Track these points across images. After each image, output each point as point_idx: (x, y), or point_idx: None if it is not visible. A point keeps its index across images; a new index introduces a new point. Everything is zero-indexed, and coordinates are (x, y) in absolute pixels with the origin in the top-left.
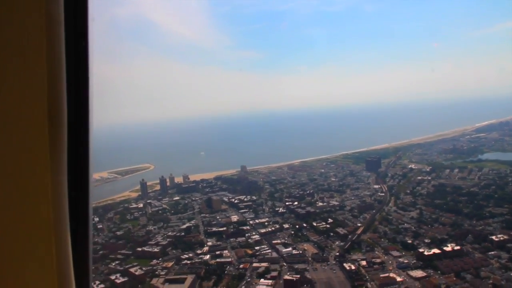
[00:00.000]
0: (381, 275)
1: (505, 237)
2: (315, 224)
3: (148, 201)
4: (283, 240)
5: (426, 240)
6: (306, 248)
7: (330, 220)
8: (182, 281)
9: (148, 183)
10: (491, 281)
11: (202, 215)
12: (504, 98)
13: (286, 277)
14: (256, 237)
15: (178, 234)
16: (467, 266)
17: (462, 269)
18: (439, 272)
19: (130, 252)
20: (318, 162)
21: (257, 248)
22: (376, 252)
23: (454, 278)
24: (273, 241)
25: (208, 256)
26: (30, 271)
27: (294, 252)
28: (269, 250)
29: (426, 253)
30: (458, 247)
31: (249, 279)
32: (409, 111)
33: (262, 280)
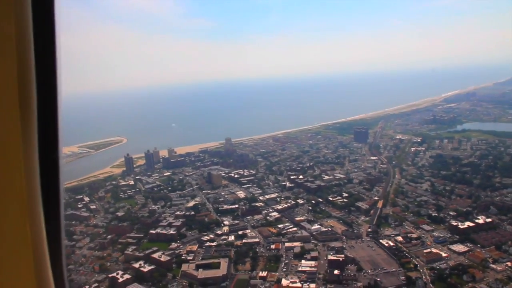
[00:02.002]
0: (424, 251)
1: None
2: (331, 198)
3: (137, 177)
4: (304, 217)
5: (451, 213)
6: (332, 224)
7: (345, 194)
8: (216, 265)
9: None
10: None
11: (204, 191)
12: (465, 69)
13: (330, 257)
14: (274, 214)
15: (187, 213)
16: (504, 238)
17: (500, 242)
18: (478, 245)
19: (142, 235)
20: (302, 133)
21: (280, 226)
22: (406, 227)
23: (497, 252)
24: (296, 218)
25: (232, 237)
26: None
27: (323, 229)
28: (295, 228)
29: (460, 226)
30: (489, 220)
31: (287, 261)
32: (376, 81)
33: (303, 261)
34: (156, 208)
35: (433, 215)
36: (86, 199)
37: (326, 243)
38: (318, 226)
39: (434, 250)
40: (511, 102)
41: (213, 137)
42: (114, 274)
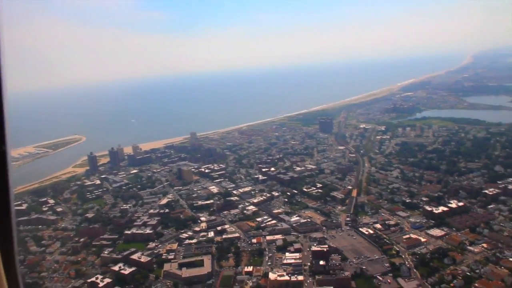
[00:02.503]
0: (404, 237)
1: (497, 190)
2: (305, 189)
3: (102, 176)
4: (281, 209)
5: (424, 199)
6: (310, 215)
7: (318, 185)
8: (200, 263)
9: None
10: (506, 234)
11: (175, 188)
12: (418, 59)
13: (314, 248)
14: (251, 207)
15: (161, 211)
16: (476, 221)
17: (473, 225)
18: (454, 229)
19: (116, 236)
20: (266, 125)
21: (258, 219)
22: (383, 214)
23: (471, 234)
24: (273, 211)
25: (211, 233)
26: None
27: (302, 220)
28: (274, 221)
29: (435, 211)
30: (461, 203)
31: (270, 254)
32: (333, 72)
33: (287, 254)
34: (127, 207)
35: (407, 201)
36: (51, 201)
37: (307, 234)
38: (297, 218)
39: (413, 236)
40: (464, 90)
41: (176, 132)
42: (93, 279)
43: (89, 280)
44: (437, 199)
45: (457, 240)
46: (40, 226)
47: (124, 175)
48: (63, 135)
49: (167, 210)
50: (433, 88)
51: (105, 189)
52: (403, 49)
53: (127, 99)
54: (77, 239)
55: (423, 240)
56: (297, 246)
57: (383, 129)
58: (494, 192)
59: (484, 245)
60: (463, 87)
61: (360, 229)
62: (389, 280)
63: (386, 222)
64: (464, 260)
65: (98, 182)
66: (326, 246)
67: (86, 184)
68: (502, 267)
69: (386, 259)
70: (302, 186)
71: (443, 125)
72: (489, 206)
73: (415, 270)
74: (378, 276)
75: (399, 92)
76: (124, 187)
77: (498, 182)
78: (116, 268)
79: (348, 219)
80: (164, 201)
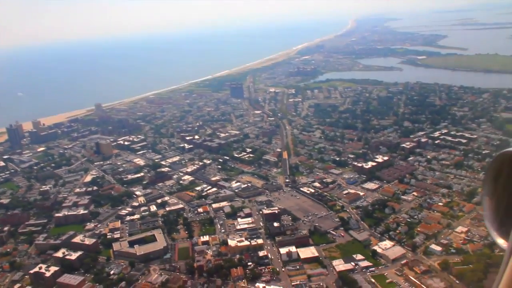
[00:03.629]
0: (344, 193)
1: (412, 144)
2: (236, 155)
3: (4, 157)
4: (218, 176)
5: (351, 156)
6: (249, 180)
7: (248, 150)
8: (151, 238)
9: None
10: (429, 182)
11: (95, 163)
12: (303, 24)
13: (265, 211)
14: (187, 177)
15: (88, 189)
16: (402, 173)
17: (400, 176)
18: (384, 181)
19: (45, 221)
20: (173, 93)
21: (198, 189)
22: (317, 173)
23: (401, 184)
24: (211, 179)
25: (153, 207)
26: None
27: (243, 186)
28: (214, 189)
29: (365, 166)
30: (386, 158)
31: (221, 222)
32: (222, 39)
33: (239, 220)
34: (47, 188)
35: (336, 159)
36: None
37: (252, 199)
38: (238, 184)
39: (351, 191)
40: (356, 52)
41: (74, 104)
42: (37, 269)
43: (31, 271)
44: (362, 156)
45: (391, 191)
46: None
47: (31, 154)
48: None
49: (95, 188)
50: (328, 52)
51: (12, 170)
52: (288, 16)
53: (2, 71)
54: None
55: (361, 194)
56: (247, 211)
57: (293, 92)
58: (410, 145)
59: (415, 193)
60: (355, 50)
61: (301, 189)
62: (342, 234)
63: (323, 180)
64: (401, 208)
65: (1, 164)
66: (276, 208)
67: None
68: (435, 211)
69: (333, 214)
70: (232, 152)
71: (347, 87)
72: (409, 159)
73: (362, 222)
74: (331, 231)
75: (297, 56)
76: (35, 167)
77: (411, 136)
78: (59, 254)
79: (287, 180)
80: (88, 178)
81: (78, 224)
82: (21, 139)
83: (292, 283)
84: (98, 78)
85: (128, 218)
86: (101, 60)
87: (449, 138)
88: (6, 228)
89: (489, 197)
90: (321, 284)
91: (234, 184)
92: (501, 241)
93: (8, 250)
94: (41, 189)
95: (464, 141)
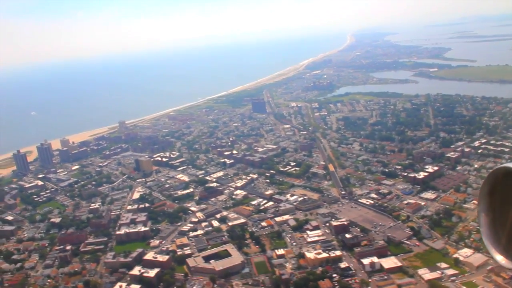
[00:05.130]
0: (404, 203)
1: (457, 154)
2: (282, 169)
3: (40, 176)
4: (270, 190)
5: (397, 167)
6: (303, 193)
7: (292, 163)
8: (225, 254)
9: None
10: None
11: (137, 180)
12: (298, 39)
13: (334, 223)
14: (238, 192)
15: (141, 206)
16: (455, 182)
17: (454, 185)
18: (440, 190)
19: (105, 239)
20: (193, 109)
21: (253, 203)
22: (370, 184)
23: (458, 193)
24: (265, 193)
25: (215, 223)
26: None
27: (300, 199)
28: (271, 203)
29: (417, 177)
30: (436, 168)
31: (289, 235)
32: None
33: (308, 232)
34: (97, 206)
35: (386, 170)
36: None
37: (312, 211)
38: (295, 197)
39: (411, 201)
40: (365, 66)
41: (91, 122)
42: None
43: None
44: (409, 166)
45: (451, 200)
46: None
47: (66, 173)
48: None
49: (147, 205)
50: (337, 66)
51: (52, 189)
52: (280, 31)
53: (9, 91)
54: (58, 248)
55: (422, 203)
56: (314, 223)
57: (317, 106)
58: (455, 155)
59: (475, 201)
60: (363, 64)
61: (359, 200)
62: (417, 243)
63: (379, 191)
64: (467, 217)
65: (39, 182)
66: (345, 220)
67: (26, 186)
68: None
69: (402, 225)
70: (276, 166)
71: (368, 100)
72: (457, 168)
73: (433, 231)
74: (405, 241)
75: (306, 71)
76: (75, 185)
77: (452, 146)
78: (135, 272)
79: (343, 192)
80: (135, 195)
81: (140, 242)
82: (51, 157)
83: None
84: (112, 96)
85: (191, 234)
86: (112, 77)
87: (491, 147)
88: (69, 247)
89: (485, 214)
90: None
91: (291, 198)
92: (499, 258)
93: (77, 269)
94: (90, 207)
95: (506, 149)
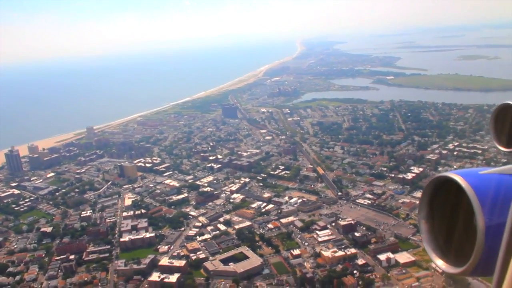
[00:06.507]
0: (400, 202)
1: (436, 156)
2: (272, 172)
3: (12, 184)
4: (268, 193)
5: (383, 168)
6: (300, 195)
7: (281, 167)
8: (242, 256)
9: None
10: None
11: (124, 187)
12: (248, 46)
13: (342, 222)
14: (236, 196)
15: (137, 212)
16: None
17: None
18: None
19: (108, 246)
20: (160, 114)
21: (253, 206)
22: (362, 186)
23: None
24: (263, 196)
25: (222, 226)
26: None
27: (299, 200)
28: (271, 205)
29: (406, 177)
30: (421, 169)
31: (298, 235)
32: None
33: (318, 232)
34: (89, 214)
35: (373, 172)
36: None
37: (314, 212)
38: (294, 199)
39: (405, 200)
40: (323, 73)
41: (54, 128)
42: None
43: None
44: (394, 168)
45: None
46: None
47: (41, 181)
48: None
49: (143, 211)
50: (296, 73)
51: (32, 198)
52: (226, 38)
53: None
54: (58, 258)
55: (417, 202)
56: (321, 224)
57: (288, 111)
58: (435, 157)
59: None
60: (321, 72)
61: (357, 201)
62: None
63: (373, 191)
64: None
65: (15, 191)
66: (351, 219)
67: (1, 196)
68: None
69: (403, 222)
70: (266, 169)
71: (336, 105)
72: (439, 169)
73: None
74: (411, 237)
75: (266, 77)
76: (57, 193)
77: (428, 149)
78: (155, 278)
79: (339, 193)
80: (127, 202)
81: (146, 248)
82: (21, 165)
83: (405, 287)
84: (74, 100)
85: (199, 238)
86: (74, 81)
87: (465, 150)
88: (72, 257)
89: (425, 221)
90: (432, 284)
91: (291, 200)
92: (439, 262)
93: (86, 279)
94: (82, 215)
95: (479, 151)
